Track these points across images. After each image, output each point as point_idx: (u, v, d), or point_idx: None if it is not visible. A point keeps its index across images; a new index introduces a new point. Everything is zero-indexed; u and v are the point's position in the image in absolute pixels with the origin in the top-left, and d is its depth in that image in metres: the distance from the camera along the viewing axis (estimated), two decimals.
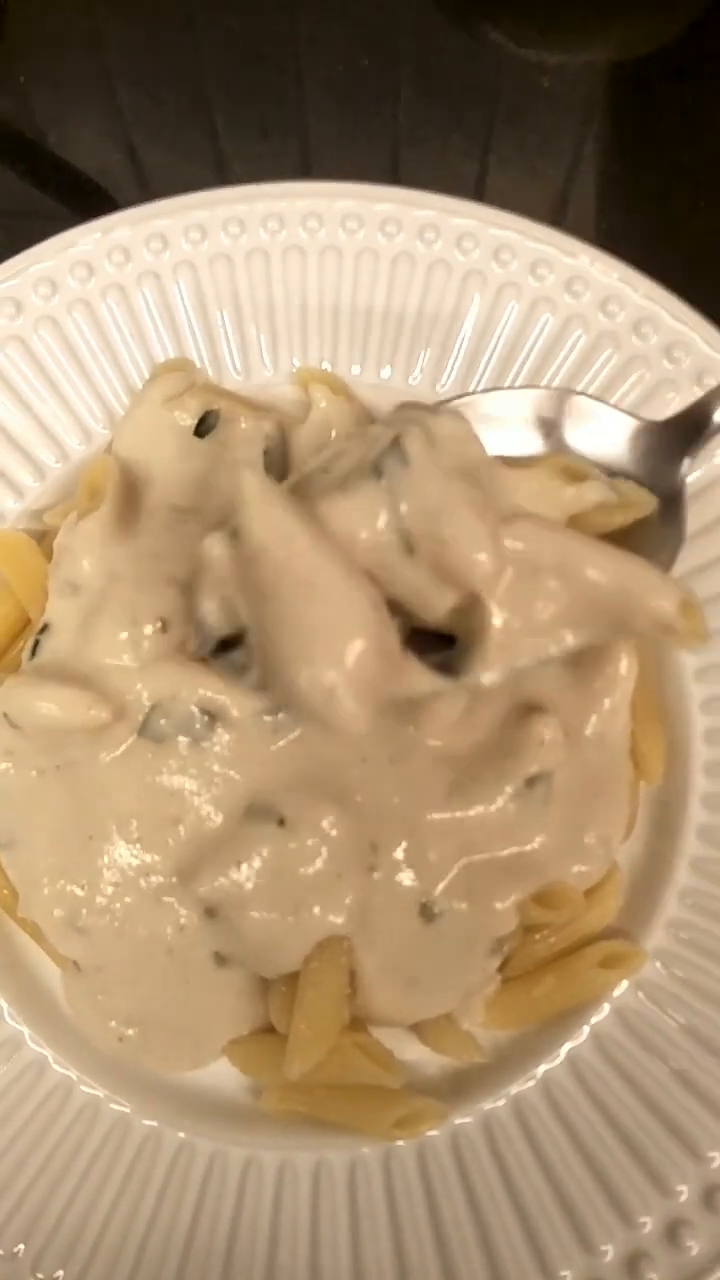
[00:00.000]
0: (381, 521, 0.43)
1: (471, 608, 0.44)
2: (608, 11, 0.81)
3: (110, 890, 0.49)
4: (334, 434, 0.58)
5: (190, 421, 0.55)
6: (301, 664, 0.42)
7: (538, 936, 0.51)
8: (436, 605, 0.45)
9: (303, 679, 0.42)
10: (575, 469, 0.52)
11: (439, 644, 0.46)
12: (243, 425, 0.56)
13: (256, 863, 0.47)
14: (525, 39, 0.81)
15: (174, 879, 0.48)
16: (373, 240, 0.59)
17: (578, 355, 0.58)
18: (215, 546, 0.44)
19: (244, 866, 0.47)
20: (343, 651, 0.41)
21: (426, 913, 0.48)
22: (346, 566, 0.42)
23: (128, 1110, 0.49)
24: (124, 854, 0.49)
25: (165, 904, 0.48)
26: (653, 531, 0.52)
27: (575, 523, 0.51)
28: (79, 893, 0.49)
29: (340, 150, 0.77)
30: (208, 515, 0.53)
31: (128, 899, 0.49)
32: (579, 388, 0.57)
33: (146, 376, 0.59)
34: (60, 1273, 0.46)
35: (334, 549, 0.42)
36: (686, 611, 0.45)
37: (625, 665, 0.53)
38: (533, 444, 0.54)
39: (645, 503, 0.52)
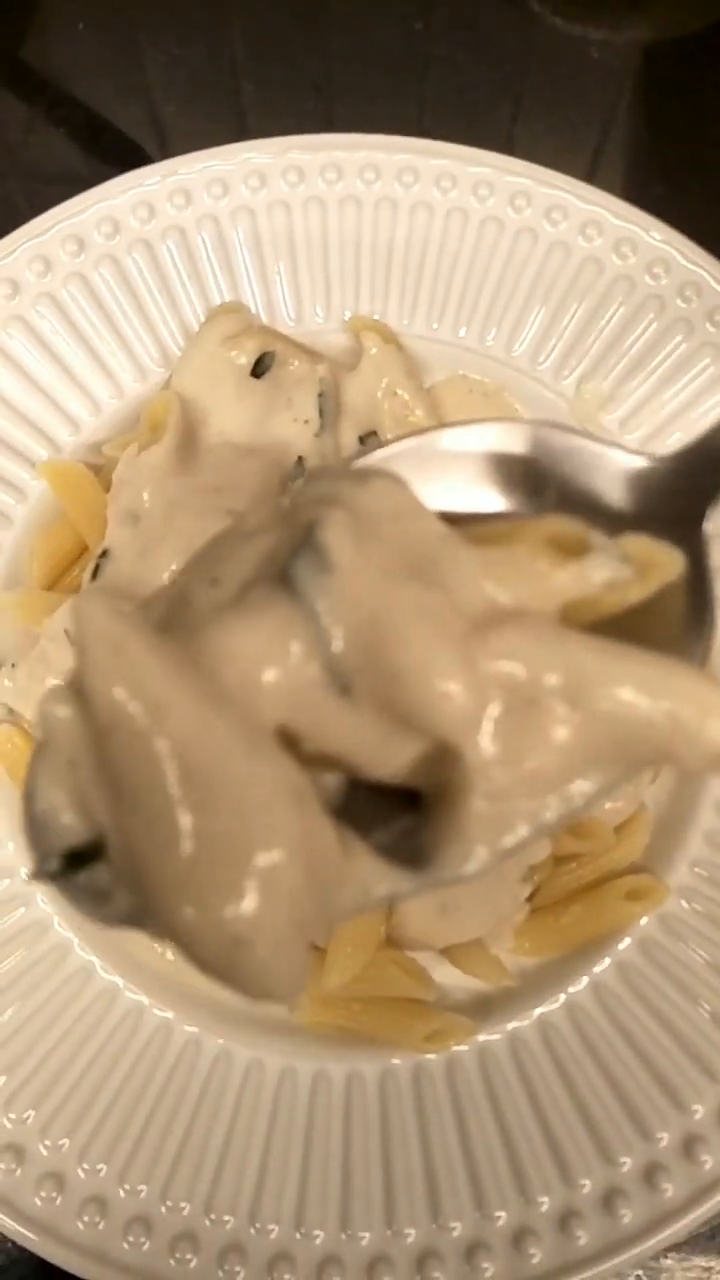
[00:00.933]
0: (297, 654, 0.28)
1: (442, 758, 0.30)
2: None
3: None
4: (385, 382, 0.59)
5: (247, 362, 0.57)
6: (182, 903, 0.26)
7: (567, 868, 0.53)
8: (390, 760, 0.30)
9: (186, 923, 0.27)
10: (568, 537, 0.33)
11: (393, 799, 0.32)
12: (297, 366, 0.57)
13: None
14: (570, 13, 0.82)
15: None
16: (428, 193, 0.61)
17: (623, 315, 0.59)
18: (58, 706, 0.29)
19: None
20: (244, 882, 0.26)
21: None
22: (248, 739, 0.27)
23: (169, 1017, 0.52)
24: None
25: None
26: (669, 606, 0.34)
27: (574, 609, 0.32)
28: None
29: (372, 108, 0.78)
30: (265, 453, 0.55)
31: None
32: (620, 347, 0.59)
33: (202, 318, 0.60)
34: (103, 1167, 0.49)
35: (226, 712, 0.27)
36: None
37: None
38: (501, 500, 0.37)
39: (669, 564, 0.33)
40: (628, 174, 0.76)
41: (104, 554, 0.53)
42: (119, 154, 0.77)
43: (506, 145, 0.75)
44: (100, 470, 0.58)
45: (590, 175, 0.75)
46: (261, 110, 0.77)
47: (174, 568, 0.51)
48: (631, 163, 0.77)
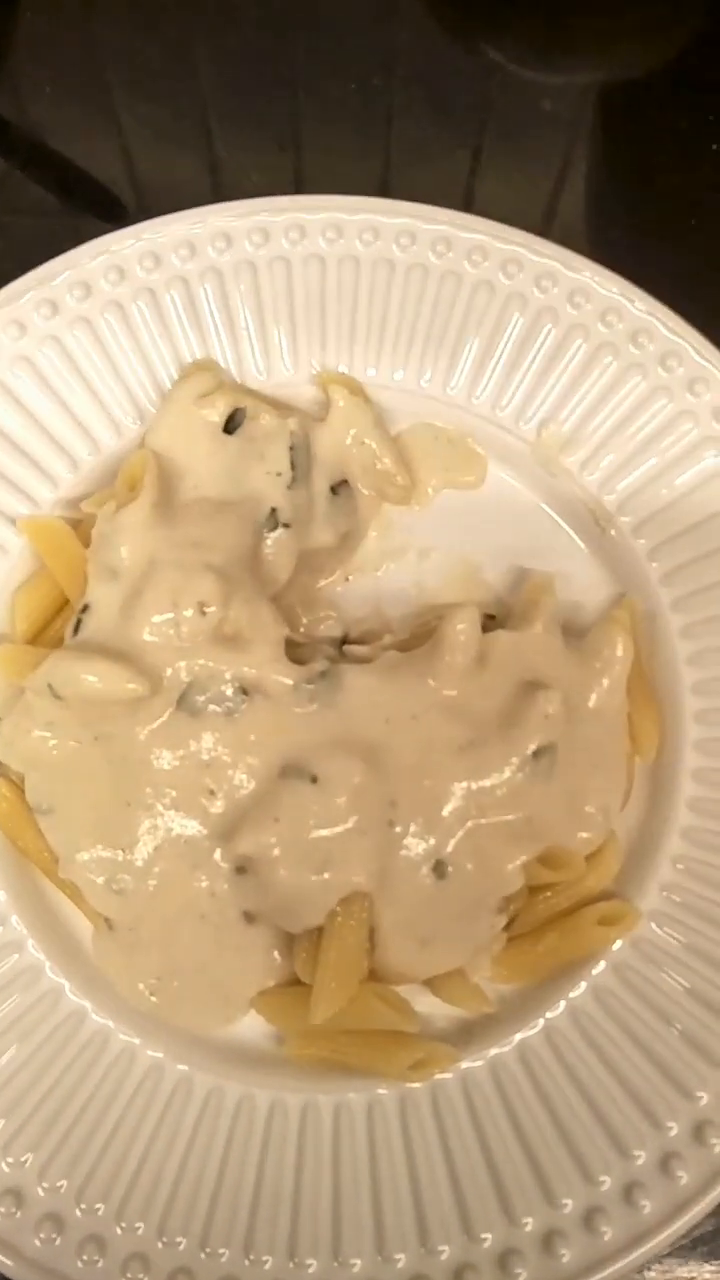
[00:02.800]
0: None
1: None
2: (604, 35, 0.86)
3: (147, 854, 0.53)
4: (353, 432, 0.62)
5: (219, 419, 0.59)
6: None
7: (541, 897, 0.55)
8: None
9: None
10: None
11: None
12: (267, 421, 0.60)
13: (291, 819, 0.51)
14: (525, 59, 0.85)
15: (209, 844, 0.52)
16: (388, 251, 0.63)
17: (579, 362, 0.62)
18: None
19: (279, 822, 0.51)
20: None
21: (439, 870, 0.52)
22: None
23: (160, 1057, 0.53)
24: (161, 820, 0.53)
25: (200, 868, 0.52)
26: None
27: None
28: (117, 857, 0.53)
29: (337, 164, 0.80)
30: (240, 506, 0.57)
31: (164, 863, 0.53)
32: (576, 392, 0.62)
33: (174, 375, 0.62)
34: (100, 1206, 0.50)
35: None
36: None
37: (622, 646, 0.57)
38: None
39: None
40: (585, 220, 0.79)
41: (85, 609, 0.55)
42: (97, 208, 0.79)
43: (467, 196, 0.79)
44: (80, 525, 0.60)
45: (548, 222, 0.79)
46: (232, 168, 0.79)
47: (155, 620, 0.53)
48: (589, 209, 0.80)
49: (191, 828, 0.52)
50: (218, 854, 0.52)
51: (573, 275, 0.62)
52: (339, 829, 0.51)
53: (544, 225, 0.78)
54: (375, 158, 0.80)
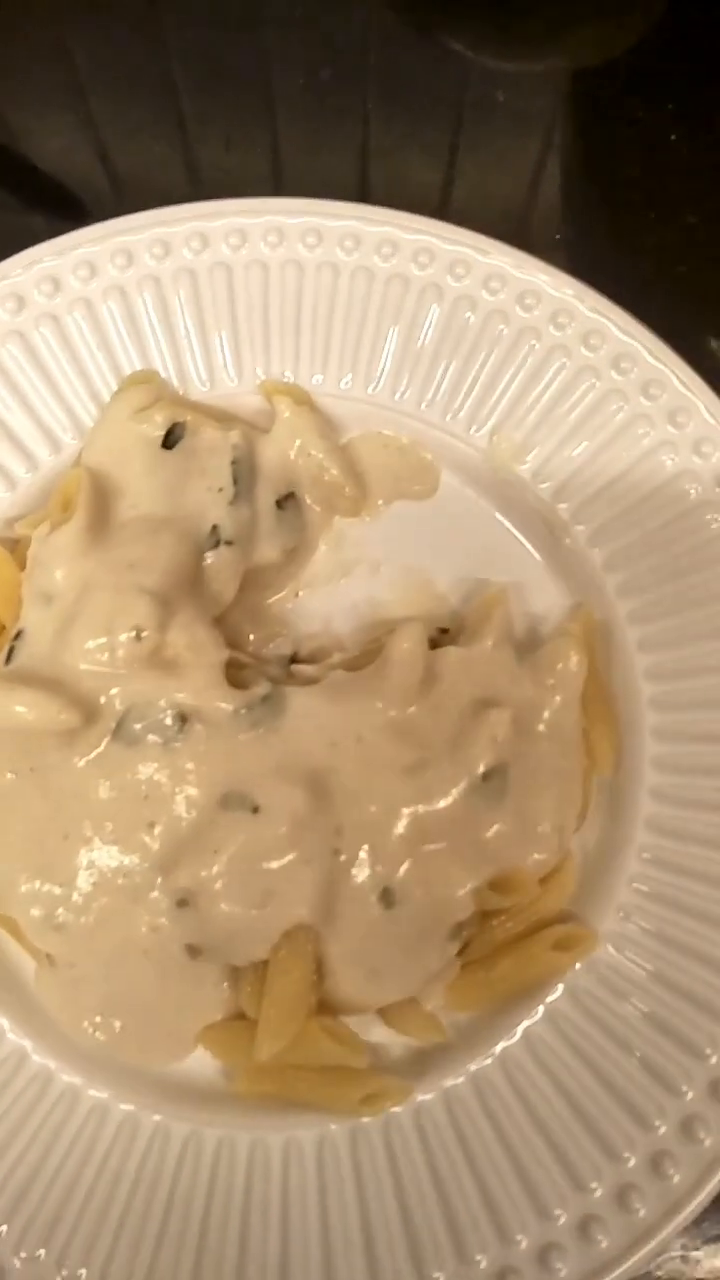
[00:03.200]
0: None
1: None
2: (561, 23, 0.84)
3: (87, 889, 0.51)
4: (298, 443, 0.60)
5: (158, 433, 0.57)
6: None
7: (495, 921, 0.54)
8: None
9: None
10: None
11: None
12: (208, 435, 0.58)
13: (231, 850, 0.50)
14: (483, 48, 0.83)
15: (149, 877, 0.50)
16: (332, 254, 0.61)
17: (531, 366, 0.60)
18: None
19: (220, 855, 0.49)
20: None
21: (387, 898, 0.51)
22: None
23: (105, 1096, 0.52)
24: (99, 853, 0.51)
25: (141, 903, 0.50)
26: None
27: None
28: (55, 891, 0.51)
29: (307, 159, 0.78)
30: (178, 524, 0.55)
31: (104, 898, 0.51)
32: (528, 397, 0.60)
33: (114, 387, 0.60)
34: (41, 1252, 0.48)
35: None
36: None
37: (575, 661, 0.56)
38: None
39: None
40: (542, 212, 0.77)
41: (18, 635, 0.53)
42: (53, 205, 0.77)
43: (425, 188, 0.77)
44: (17, 546, 0.58)
45: (505, 216, 0.77)
46: (186, 164, 0.77)
47: (89, 646, 0.51)
48: (545, 201, 0.78)
49: (131, 861, 0.51)
50: (158, 888, 0.50)
51: (523, 277, 0.61)
52: (281, 860, 0.49)
53: (501, 219, 0.76)
54: (341, 151, 0.78)
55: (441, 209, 0.77)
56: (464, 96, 0.81)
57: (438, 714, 0.53)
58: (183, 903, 0.51)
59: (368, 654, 0.58)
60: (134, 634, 0.51)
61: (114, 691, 0.52)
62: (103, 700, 0.52)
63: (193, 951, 0.52)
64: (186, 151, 0.78)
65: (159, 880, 0.50)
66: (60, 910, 0.51)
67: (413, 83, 0.81)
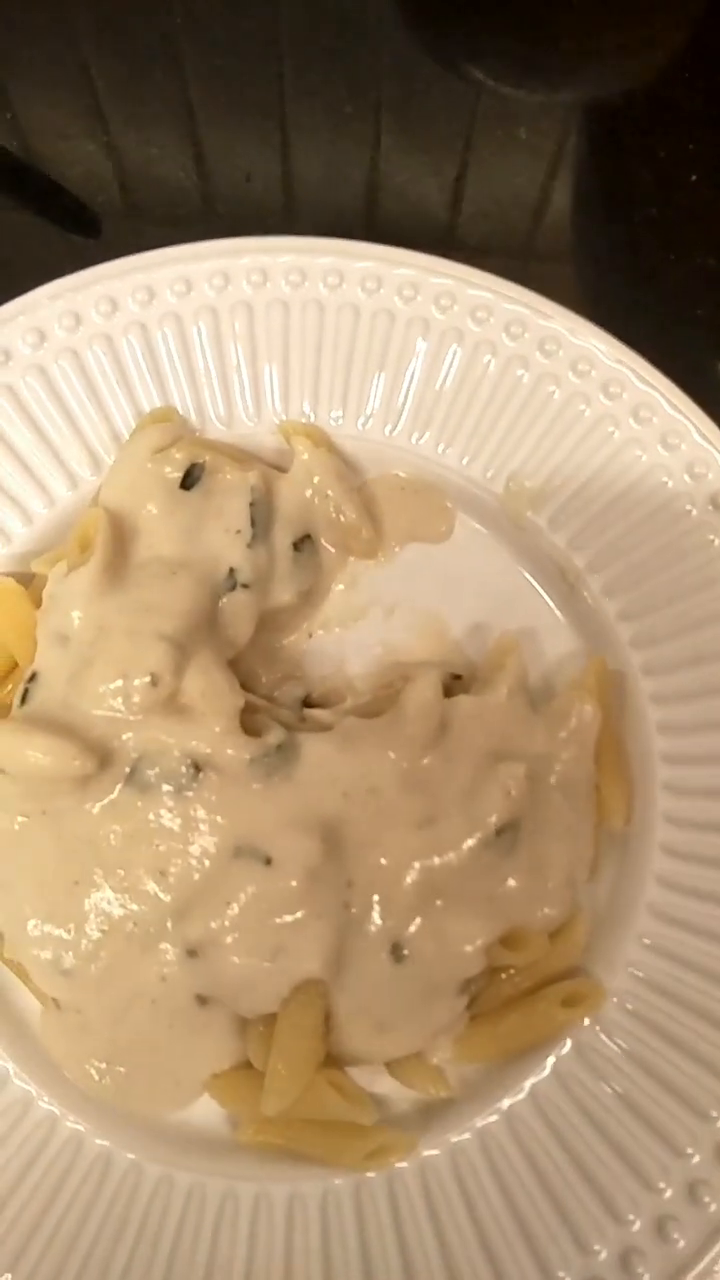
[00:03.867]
0: None
1: None
2: (583, 55, 0.84)
3: (96, 936, 0.51)
4: (316, 484, 0.60)
5: (176, 474, 0.56)
6: None
7: (504, 976, 0.53)
8: None
9: None
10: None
11: None
12: (227, 475, 0.57)
13: (243, 901, 0.49)
14: (504, 78, 0.83)
15: (160, 927, 0.50)
16: (353, 296, 0.61)
17: (550, 412, 0.60)
18: None
19: (232, 906, 0.49)
20: None
21: (397, 953, 0.51)
22: None
23: (109, 1145, 0.51)
24: (109, 901, 0.51)
25: (150, 952, 0.50)
26: None
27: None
28: (64, 936, 0.51)
29: (322, 191, 0.78)
30: (196, 567, 0.55)
31: (113, 946, 0.51)
32: (546, 444, 0.59)
33: (133, 424, 0.60)
34: None
35: None
36: None
37: (590, 713, 0.56)
38: None
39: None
40: (561, 252, 0.77)
41: (33, 677, 0.53)
42: (68, 221, 0.77)
43: (447, 223, 0.76)
44: (32, 582, 0.58)
45: (525, 254, 0.76)
46: (207, 197, 0.77)
47: (104, 691, 0.51)
48: (564, 240, 0.78)
49: (141, 910, 0.50)
50: (168, 938, 0.50)
51: (544, 324, 0.60)
52: (293, 914, 0.49)
53: (519, 255, 0.76)
54: (348, 183, 0.78)
55: (457, 244, 0.77)
56: (483, 130, 0.80)
57: (450, 764, 0.53)
58: (193, 953, 0.50)
59: (380, 699, 0.58)
60: (149, 680, 0.51)
61: (127, 737, 0.51)
62: (115, 746, 0.51)
63: (202, 1000, 0.51)
64: (204, 181, 0.78)
65: (170, 930, 0.50)
66: (68, 955, 0.51)
67: (431, 114, 0.81)
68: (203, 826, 0.51)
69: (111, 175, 0.78)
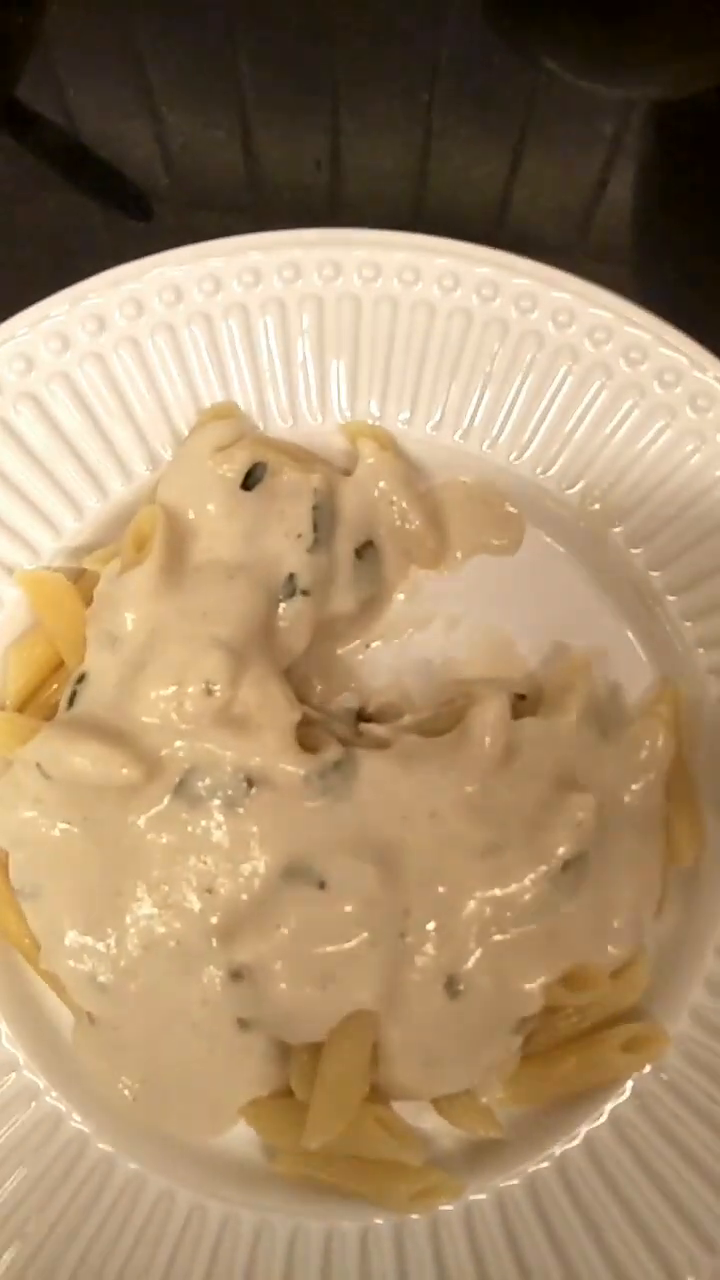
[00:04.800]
0: None
1: None
2: (664, 51, 0.80)
3: (136, 953, 0.49)
4: (380, 488, 0.57)
5: (237, 474, 0.54)
6: None
7: (561, 1015, 0.51)
8: None
9: None
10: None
11: None
12: (290, 477, 0.55)
13: (294, 925, 0.47)
14: (581, 70, 0.80)
15: (204, 947, 0.48)
16: (428, 293, 0.58)
17: (631, 425, 0.57)
18: None
19: (281, 931, 0.47)
20: None
21: (452, 988, 0.48)
22: None
23: (141, 1169, 0.49)
24: (152, 916, 0.49)
25: (192, 971, 0.48)
26: None
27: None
28: (102, 949, 0.49)
29: (388, 186, 0.75)
30: (254, 570, 0.52)
31: (153, 962, 0.48)
32: (626, 457, 0.57)
33: (192, 418, 0.58)
34: None
35: None
36: None
37: (664, 743, 0.53)
38: None
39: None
40: (629, 251, 0.74)
41: (81, 678, 0.51)
42: (125, 205, 0.75)
43: (511, 217, 0.74)
44: (81, 578, 0.56)
45: (594, 250, 0.73)
46: (270, 176, 0.75)
47: (156, 697, 0.49)
48: (634, 240, 0.75)
49: (185, 928, 0.48)
50: (212, 959, 0.48)
51: (630, 330, 0.57)
52: (347, 942, 0.47)
53: (578, 249, 0.73)
54: (421, 174, 0.75)
55: (531, 242, 0.73)
56: (561, 124, 0.77)
57: (515, 791, 0.51)
58: (237, 976, 0.48)
59: (441, 716, 0.55)
60: (204, 688, 0.49)
61: (178, 746, 0.49)
62: (165, 755, 0.49)
63: (243, 1024, 0.49)
64: (266, 168, 0.75)
65: (214, 951, 0.48)
66: (106, 970, 0.49)
67: (503, 102, 0.78)
68: (253, 844, 0.48)
69: (167, 160, 0.75)
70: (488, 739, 0.50)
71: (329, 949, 0.47)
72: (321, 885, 0.47)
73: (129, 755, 0.48)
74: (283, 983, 0.47)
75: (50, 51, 0.78)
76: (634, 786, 0.52)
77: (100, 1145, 0.50)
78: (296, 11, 0.79)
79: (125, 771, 0.48)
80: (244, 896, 0.48)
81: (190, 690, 0.49)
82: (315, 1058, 0.48)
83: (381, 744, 0.53)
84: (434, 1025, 0.48)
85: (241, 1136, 0.51)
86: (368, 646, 0.59)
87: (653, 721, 0.53)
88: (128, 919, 0.49)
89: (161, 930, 0.49)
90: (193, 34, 0.78)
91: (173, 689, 0.49)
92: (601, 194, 0.76)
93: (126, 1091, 0.50)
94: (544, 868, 0.48)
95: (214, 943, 0.48)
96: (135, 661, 0.50)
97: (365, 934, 0.47)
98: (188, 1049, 0.49)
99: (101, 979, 0.49)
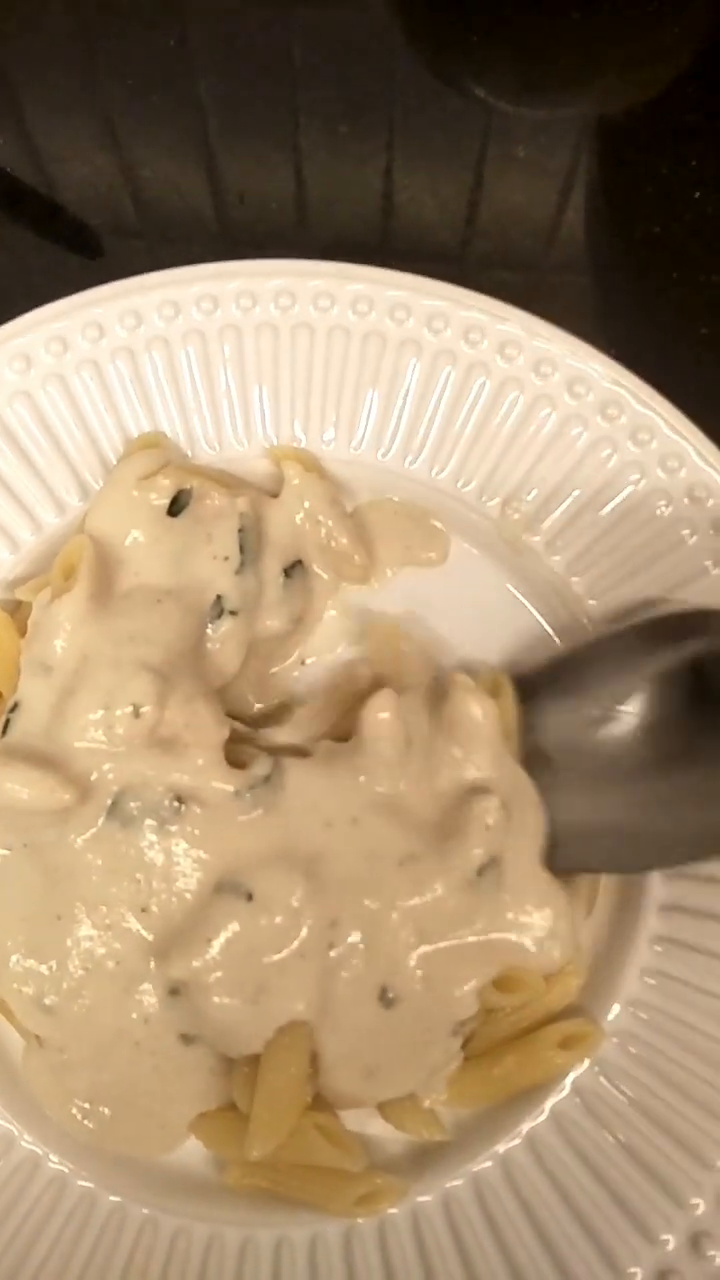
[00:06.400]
0: None
1: None
2: (585, 71, 0.83)
3: (78, 974, 0.50)
4: (306, 509, 0.59)
5: (163, 501, 0.56)
6: None
7: (500, 1015, 0.52)
8: None
9: None
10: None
11: None
12: (216, 501, 0.56)
13: (224, 940, 0.48)
14: (506, 95, 0.82)
15: (142, 965, 0.49)
16: (344, 318, 0.60)
17: (546, 435, 0.59)
18: None
19: (213, 944, 0.48)
20: None
21: (384, 997, 0.49)
22: None
23: (92, 1186, 0.50)
24: (92, 937, 0.50)
25: (132, 990, 0.49)
26: None
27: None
28: (45, 972, 0.50)
29: (326, 210, 0.77)
30: (182, 594, 0.54)
31: (95, 983, 0.49)
32: (541, 467, 0.58)
33: (120, 449, 0.59)
34: None
35: None
36: None
37: (478, 709, 0.53)
38: None
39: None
40: (562, 272, 0.76)
41: (15, 707, 0.52)
42: (71, 243, 0.77)
43: (451, 240, 0.76)
44: (19, 610, 0.57)
45: (530, 273, 0.75)
46: (231, 219, 0.77)
47: (85, 719, 0.50)
48: (565, 258, 0.77)
49: (124, 947, 0.49)
50: (150, 977, 0.49)
51: (540, 345, 0.59)
52: (276, 953, 0.48)
53: (523, 273, 0.75)
54: (352, 203, 0.77)
55: (459, 262, 0.76)
56: (485, 148, 0.80)
57: (419, 790, 0.52)
58: (175, 992, 0.49)
59: (353, 721, 0.56)
60: (133, 710, 0.50)
61: (108, 769, 0.50)
62: (96, 778, 0.50)
63: (187, 1039, 0.50)
64: (208, 201, 0.77)
65: (151, 969, 0.49)
66: (51, 993, 0.50)
67: (434, 132, 0.80)
68: (185, 861, 0.49)
69: (112, 196, 0.77)
70: (381, 735, 0.51)
71: (260, 961, 0.48)
72: (249, 898, 0.48)
73: (61, 779, 0.49)
74: (217, 996, 0.48)
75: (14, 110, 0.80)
76: (476, 759, 0.52)
77: (52, 1164, 0.50)
78: (229, 47, 0.81)
79: (58, 795, 0.49)
80: (178, 914, 0.49)
81: (119, 713, 0.50)
82: (255, 1070, 0.49)
83: (301, 753, 0.54)
84: (370, 1033, 0.49)
85: (191, 1150, 0.52)
86: (303, 663, 0.60)
87: (459, 693, 0.52)
88: (69, 941, 0.50)
89: (102, 951, 0.50)
90: (134, 72, 0.80)
91: (102, 713, 0.50)
92: (524, 213, 0.78)
93: (77, 1113, 0.51)
94: (459, 875, 0.49)
95: (151, 961, 0.49)
96: (66, 688, 0.51)
97: (294, 945, 0.48)
98: (134, 1067, 0.50)
99: (47, 1001, 0.50)
